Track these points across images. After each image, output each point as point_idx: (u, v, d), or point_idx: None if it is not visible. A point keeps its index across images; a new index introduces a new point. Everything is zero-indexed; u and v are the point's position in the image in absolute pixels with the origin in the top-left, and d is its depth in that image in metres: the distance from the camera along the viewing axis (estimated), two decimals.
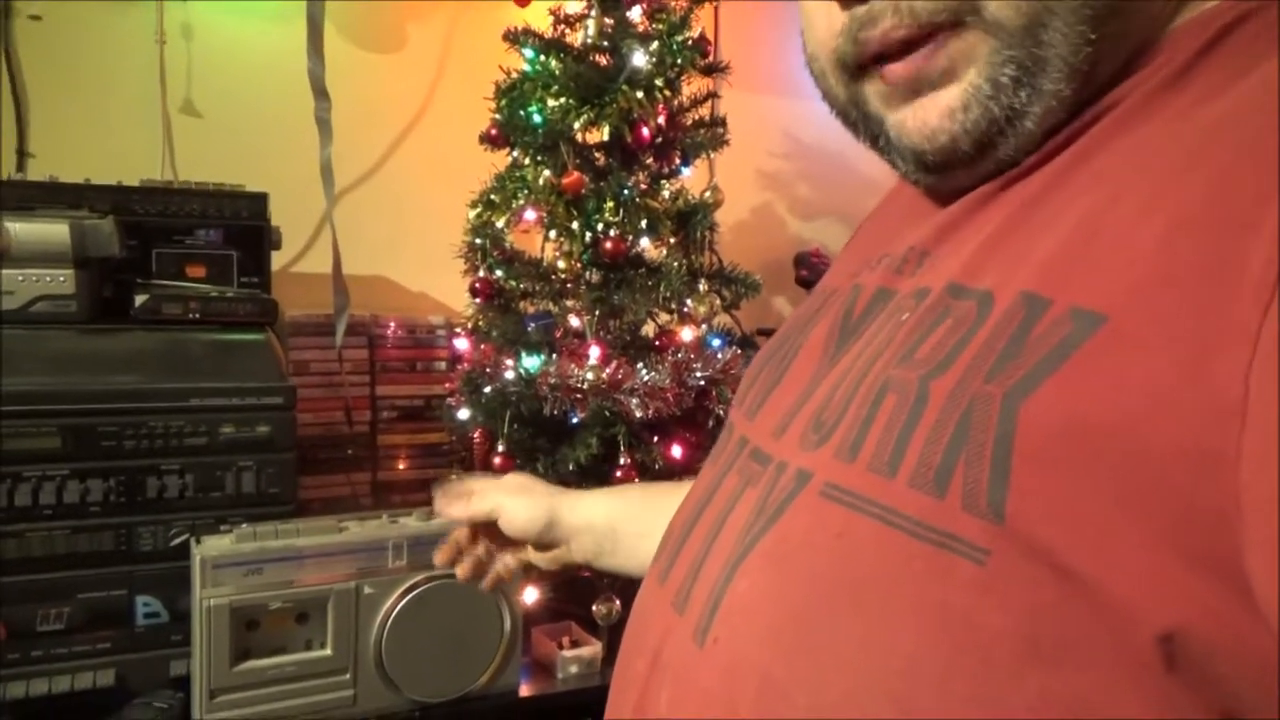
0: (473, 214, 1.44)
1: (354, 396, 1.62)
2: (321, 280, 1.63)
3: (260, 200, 1.34)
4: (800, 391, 0.48)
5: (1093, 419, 0.33)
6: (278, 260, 1.45)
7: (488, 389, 1.36)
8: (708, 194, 1.44)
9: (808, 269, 1.97)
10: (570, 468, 1.33)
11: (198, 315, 1.21)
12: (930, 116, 0.43)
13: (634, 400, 1.30)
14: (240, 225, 1.31)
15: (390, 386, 1.66)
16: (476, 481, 0.83)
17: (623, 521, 0.78)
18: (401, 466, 1.67)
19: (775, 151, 2.10)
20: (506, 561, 0.85)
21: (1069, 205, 0.40)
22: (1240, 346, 0.30)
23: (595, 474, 1.33)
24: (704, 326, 1.43)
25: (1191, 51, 0.41)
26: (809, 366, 0.49)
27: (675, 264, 1.39)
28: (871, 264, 0.52)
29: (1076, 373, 0.34)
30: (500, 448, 1.36)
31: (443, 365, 1.69)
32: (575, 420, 1.34)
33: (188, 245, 1.29)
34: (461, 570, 0.83)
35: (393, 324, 1.66)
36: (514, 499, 0.80)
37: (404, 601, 1.09)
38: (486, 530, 0.83)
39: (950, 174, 0.46)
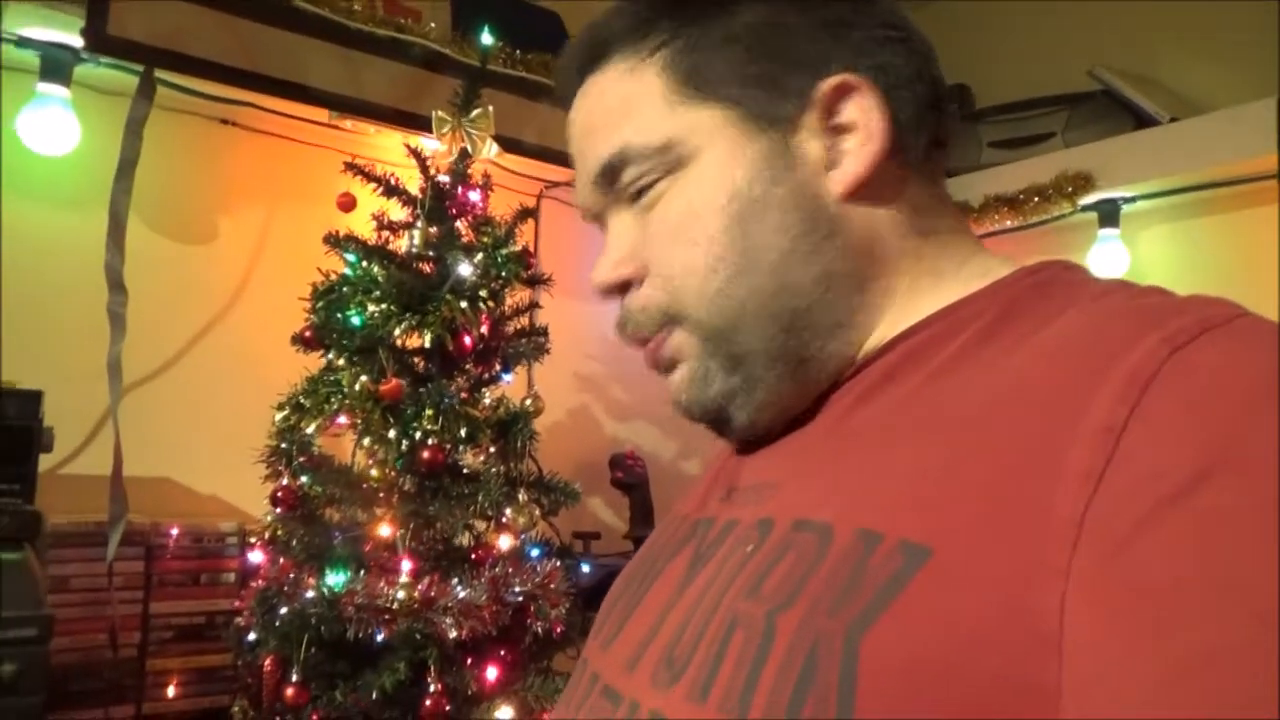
0: (279, 417, 1.36)
1: (122, 615, 1.43)
2: (95, 483, 1.47)
3: (33, 399, 1.21)
4: (653, 620, 0.50)
5: (925, 653, 0.36)
6: (45, 461, 1.29)
7: (284, 609, 1.25)
8: (528, 402, 1.44)
9: (623, 470, 1.99)
10: (374, 695, 1.22)
11: None
12: (672, 390, 0.56)
13: (448, 620, 1.22)
14: (4, 426, 1.17)
15: (167, 603, 1.48)
16: None
17: None
18: (172, 694, 1.47)
19: (591, 354, 2.16)
20: None
21: (899, 446, 0.44)
22: (1053, 582, 0.34)
23: (402, 701, 1.23)
24: (523, 537, 1.39)
25: (997, 310, 0.47)
26: (664, 594, 0.51)
27: (494, 472, 1.36)
28: (720, 494, 0.56)
29: (908, 608, 0.37)
30: (295, 676, 1.23)
31: (231, 578, 1.53)
32: (380, 641, 1.24)
33: None
34: None
35: (175, 531, 1.50)
36: None
37: None
38: None
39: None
